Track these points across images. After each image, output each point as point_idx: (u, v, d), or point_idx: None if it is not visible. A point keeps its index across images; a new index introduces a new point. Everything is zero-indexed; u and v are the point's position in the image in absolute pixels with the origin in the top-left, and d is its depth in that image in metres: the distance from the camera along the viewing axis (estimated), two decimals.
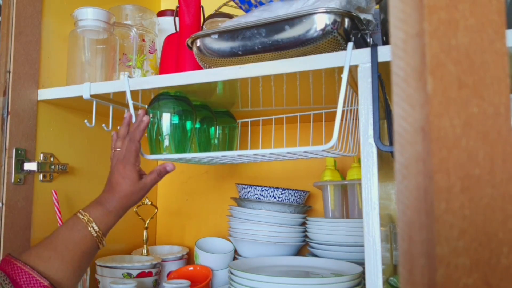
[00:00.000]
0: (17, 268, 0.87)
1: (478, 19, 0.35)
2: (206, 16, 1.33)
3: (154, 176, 1.04)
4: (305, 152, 0.94)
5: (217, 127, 1.29)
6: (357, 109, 0.91)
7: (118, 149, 1.05)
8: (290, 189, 1.36)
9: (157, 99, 1.13)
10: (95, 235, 0.95)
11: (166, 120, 1.11)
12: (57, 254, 0.91)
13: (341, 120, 0.88)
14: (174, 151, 1.13)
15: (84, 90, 1.12)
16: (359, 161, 1.30)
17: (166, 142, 1.12)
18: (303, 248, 1.44)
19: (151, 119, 1.11)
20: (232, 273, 1.14)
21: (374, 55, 0.86)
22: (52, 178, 1.22)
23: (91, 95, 1.12)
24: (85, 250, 0.94)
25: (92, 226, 0.95)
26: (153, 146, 1.13)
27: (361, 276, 1.11)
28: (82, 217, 0.95)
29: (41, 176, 1.18)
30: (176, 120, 1.11)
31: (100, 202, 0.98)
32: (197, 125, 1.21)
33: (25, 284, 0.86)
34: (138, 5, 1.38)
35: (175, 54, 1.25)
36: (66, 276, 0.91)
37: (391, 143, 0.87)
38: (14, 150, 1.11)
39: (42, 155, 1.19)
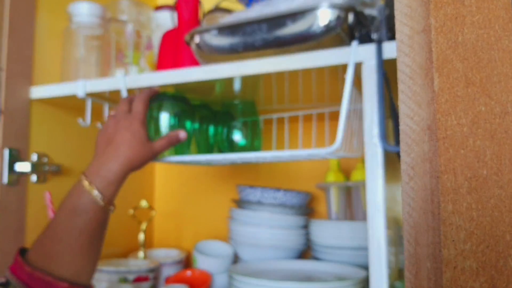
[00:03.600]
0: (32, 275, 0.83)
1: (485, 15, 0.35)
2: (205, 11, 1.32)
3: (164, 142, 0.97)
4: (308, 155, 0.94)
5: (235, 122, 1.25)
6: (361, 108, 0.90)
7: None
8: (292, 191, 1.35)
9: (155, 100, 1.11)
10: (101, 204, 0.87)
11: (165, 121, 1.09)
12: (64, 246, 0.85)
13: (345, 121, 0.86)
14: (173, 152, 1.11)
15: (78, 88, 1.10)
16: (363, 161, 1.29)
17: None
18: (305, 251, 1.43)
19: (148, 119, 1.09)
20: (232, 278, 1.13)
21: (379, 51, 0.85)
22: (45, 179, 1.20)
23: (86, 93, 1.10)
24: (93, 231, 0.87)
25: (96, 197, 0.87)
26: None
27: (366, 280, 1.10)
28: (87, 187, 0.88)
29: (34, 177, 1.16)
30: (174, 121, 1.09)
31: (98, 172, 0.90)
32: (196, 125, 1.19)
33: None
34: (135, 0, 1.37)
35: (173, 51, 1.23)
36: (81, 266, 0.86)
37: (396, 142, 0.86)
38: (7, 150, 1.09)
39: (35, 155, 1.17)
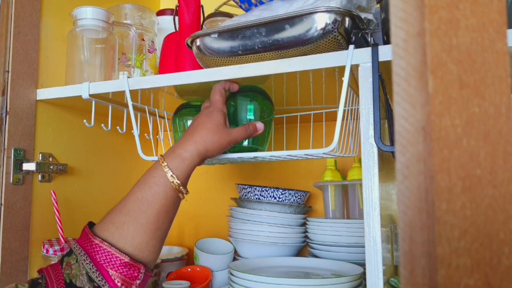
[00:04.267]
0: (95, 245, 0.83)
1: (479, 19, 0.35)
2: (206, 15, 1.33)
3: (241, 130, 0.99)
4: (305, 154, 0.94)
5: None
6: (357, 109, 0.91)
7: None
8: (291, 190, 1.36)
9: (182, 108, 1.14)
10: (171, 181, 0.89)
11: None
12: (130, 218, 0.86)
13: (342, 121, 0.87)
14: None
15: (83, 89, 1.12)
16: (359, 161, 1.30)
17: None
18: (303, 248, 1.44)
19: (177, 126, 1.11)
20: (232, 274, 1.14)
21: (375, 54, 0.86)
22: (51, 178, 1.21)
23: (90, 95, 1.11)
24: (160, 207, 0.88)
25: (167, 172, 0.89)
26: None
27: (362, 277, 1.11)
28: (161, 163, 0.90)
29: (40, 177, 1.18)
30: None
31: (173, 150, 0.93)
32: None
33: (105, 263, 0.82)
34: (138, 4, 1.38)
35: (175, 54, 1.24)
36: (145, 241, 0.86)
37: (392, 143, 0.87)
38: (12, 150, 1.10)
39: (41, 155, 1.19)
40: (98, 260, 0.82)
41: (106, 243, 0.83)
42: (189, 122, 1.11)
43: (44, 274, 0.84)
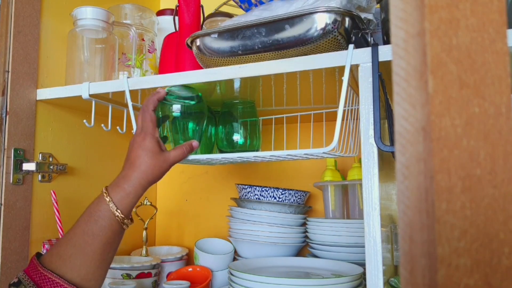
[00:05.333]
0: (44, 276, 0.85)
1: (479, 19, 0.34)
2: (205, 15, 1.33)
3: (179, 152, 0.99)
4: (305, 154, 0.94)
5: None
6: (357, 109, 0.91)
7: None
8: (290, 190, 1.36)
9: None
10: (116, 214, 0.90)
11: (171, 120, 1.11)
12: (77, 250, 0.88)
13: (342, 121, 0.87)
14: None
15: (83, 89, 1.12)
16: (359, 161, 1.30)
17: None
18: (303, 248, 1.44)
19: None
20: (232, 274, 1.14)
21: (375, 54, 0.86)
22: (51, 178, 1.21)
23: (90, 95, 1.11)
24: (106, 239, 0.90)
25: (111, 207, 0.91)
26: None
27: (362, 277, 1.11)
28: (105, 197, 0.92)
29: (40, 176, 1.18)
30: (177, 120, 1.11)
31: (118, 184, 0.94)
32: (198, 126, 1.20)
33: None
34: (138, 4, 1.38)
35: (175, 54, 1.24)
36: (91, 271, 0.88)
37: (392, 143, 0.87)
38: (12, 150, 1.11)
39: (40, 155, 1.19)
40: None
41: (54, 274, 0.85)
42: (190, 124, 1.11)
43: None
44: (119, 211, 0.91)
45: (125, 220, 0.92)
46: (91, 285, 0.89)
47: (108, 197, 0.91)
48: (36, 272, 0.86)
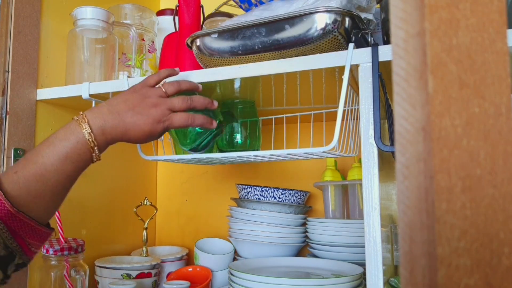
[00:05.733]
0: (15, 217, 0.79)
1: (479, 19, 0.34)
2: (205, 15, 1.33)
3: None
4: (305, 153, 0.94)
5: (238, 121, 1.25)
6: (357, 109, 0.91)
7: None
8: (291, 190, 1.36)
9: None
10: (87, 140, 0.83)
11: None
12: (48, 188, 0.82)
13: (342, 121, 0.87)
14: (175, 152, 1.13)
15: (83, 89, 1.12)
16: (359, 161, 1.30)
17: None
18: (303, 248, 1.44)
19: None
20: (232, 274, 1.14)
21: (375, 54, 0.86)
22: None
23: (90, 95, 1.11)
24: (76, 178, 0.86)
25: (86, 130, 0.83)
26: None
27: (362, 277, 1.11)
28: (79, 118, 0.84)
29: None
30: None
31: (98, 108, 0.87)
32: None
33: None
34: (138, 4, 1.38)
35: (175, 54, 1.24)
36: (55, 207, 0.86)
37: (392, 143, 0.87)
38: (12, 150, 1.10)
39: None
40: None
41: (26, 216, 0.80)
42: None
43: None
44: (92, 134, 0.84)
45: (96, 148, 0.85)
46: (49, 219, 0.86)
47: (84, 117, 0.85)
48: (4, 211, 0.78)
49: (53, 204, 0.85)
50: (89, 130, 0.84)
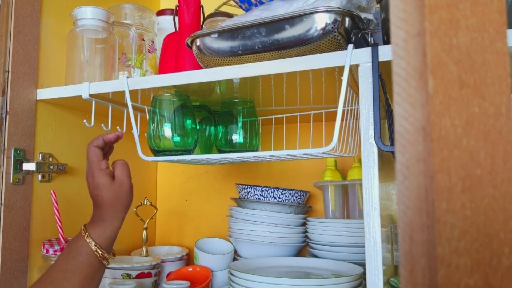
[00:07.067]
0: None
1: (479, 19, 0.34)
2: (206, 15, 1.33)
3: (123, 170, 1.02)
4: (305, 154, 0.94)
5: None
6: (357, 109, 0.91)
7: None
8: (291, 190, 1.36)
9: (157, 99, 1.13)
10: (94, 249, 0.93)
11: (169, 119, 1.11)
12: (55, 287, 0.89)
13: (341, 121, 0.87)
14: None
15: (83, 89, 1.12)
16: (359, 161, 1.30)
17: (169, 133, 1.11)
18: (303, 248, 1.44)
19: (152, 116, 1.11)
20: (232, 274, 1.14)
21: (375, 54, 0.85)
22: (51, 178, 1.21)
23: (90, 95, 1.11)
24: (85, 275, 0.91)
25: (89, 242, 0.93)
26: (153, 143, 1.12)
27: (362, 277, 1.11)
28: (83, 234, 0.94)
29: (40, 176, 1.18)
30: (177, 119, 1.11)
31: (94, 221, 0.97)
32: (197, 126, 1.20)
33: None
34: (138, 4, 1.38)
35: (175, 54, 1.24)
36: None
37: (392, 143, 0.87)
38: (12, 150, 1.10)
39: (40, 155, 1.19)
40: None
41: None
42: (187, 122, 1.11)
43: None
44: (98, 245, 0.93)
45: (105, 255, 0.94)
46: None
47: (86, 233, 0.94)
48: None
49: None
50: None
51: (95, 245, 0.92)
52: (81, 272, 0.90)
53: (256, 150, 1.20)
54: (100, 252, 0.93)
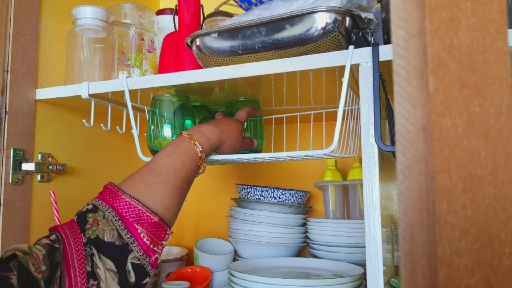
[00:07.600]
0: (124, 202, 0.83)
1: (480, 18, 0.34)
2: (205, 15, 1.33)
3: (249, 143, 1.15)
4: (305, 156, 0.94)
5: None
6: (357, 109, 0.91)
7: None
8: (291, 190, 1.36)
9: (157, 100, 1.13)
10: (199, 154, 0.95)
11: (168, 119, 1.11)
12: (160, 179, 0.87)
13: (342, 122, 0.87)
14: None
15: (82, 89, 1.12)
16: (360, 161, 1.30)
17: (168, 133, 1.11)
18: (303, 249, 1.43)
19: (152, 116, 1.11)
20: (232, 275, 1.14)
21: (375, 54, 0.85)
22: (50, 179, 1.21)
23: (89, 95, 1.11)
24: (186, 175, 0.92)
25: (196, 145, 0.95)
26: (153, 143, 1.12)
27: (362, 278, 1.11)
28: (187, 135, 0.96)
29: (39, 177, 1.18)
30: (177, 120, 1.11)
31: (199, 129, 1.00)
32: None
33: (135, 220, 0.82)
34: (137, 3, 1.38)
35: (175, 53, 1.24)
36: (172, 203, 0.88)
37: (392, 143, 0.87)
38: (12, 150, 1.10)
39: (40, 155, 1.18)
40: (128, 217, 0.82)
41: (135, 200, 0.84)
42: (187, 122, 1.11)
43: (61, 235, 0.80)
44: (202, 152, 0.96)
45: (204, 164, 0.96)
46: (171, 218, 0.89)
47: (191, 139, 0.96)
48: (116, 198, 0.84)
49: (169, 198, 0.88)
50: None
51: (201, 151, 0.95)
52: (183, 172, 0.91)
53: (260, 150, 1.20)
54: (203, 158, 0.95)
